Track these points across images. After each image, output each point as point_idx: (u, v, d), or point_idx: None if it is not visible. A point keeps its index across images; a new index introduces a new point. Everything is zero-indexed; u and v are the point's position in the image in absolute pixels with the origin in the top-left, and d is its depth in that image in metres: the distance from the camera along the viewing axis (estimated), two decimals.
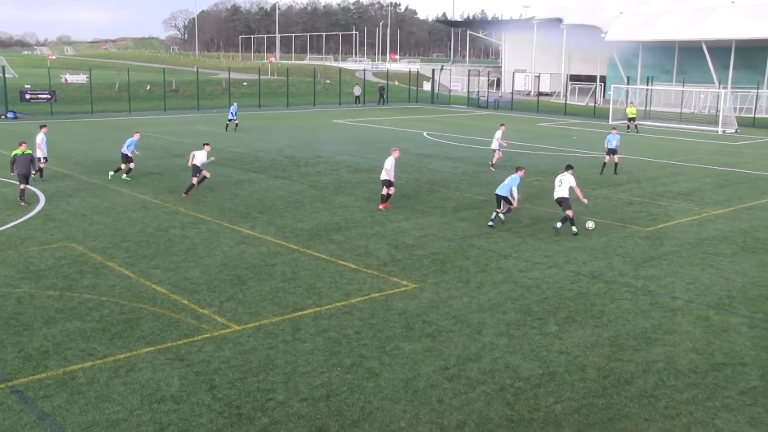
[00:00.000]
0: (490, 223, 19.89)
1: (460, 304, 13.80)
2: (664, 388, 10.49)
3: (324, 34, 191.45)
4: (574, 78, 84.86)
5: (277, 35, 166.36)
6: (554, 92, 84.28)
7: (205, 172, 23.39)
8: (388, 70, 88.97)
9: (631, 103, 54.92)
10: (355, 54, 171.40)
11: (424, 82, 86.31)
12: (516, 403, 9.97)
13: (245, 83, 75.90)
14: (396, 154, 22.08)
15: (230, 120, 43.83)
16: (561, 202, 19.50)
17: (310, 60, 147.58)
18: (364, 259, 16.69)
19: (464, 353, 11.56)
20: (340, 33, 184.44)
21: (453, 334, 12.33)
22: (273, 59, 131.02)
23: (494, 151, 30.68)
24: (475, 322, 12.89)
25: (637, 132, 47.88)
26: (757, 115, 57.04)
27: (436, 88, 78.12)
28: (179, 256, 16.62)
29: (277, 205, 22.44)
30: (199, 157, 23.09)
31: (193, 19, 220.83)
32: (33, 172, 22.82)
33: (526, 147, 38.24)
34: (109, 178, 26.28)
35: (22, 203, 21.65)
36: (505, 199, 19.48)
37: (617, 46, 77.97)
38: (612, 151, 29.70)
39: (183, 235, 18.62)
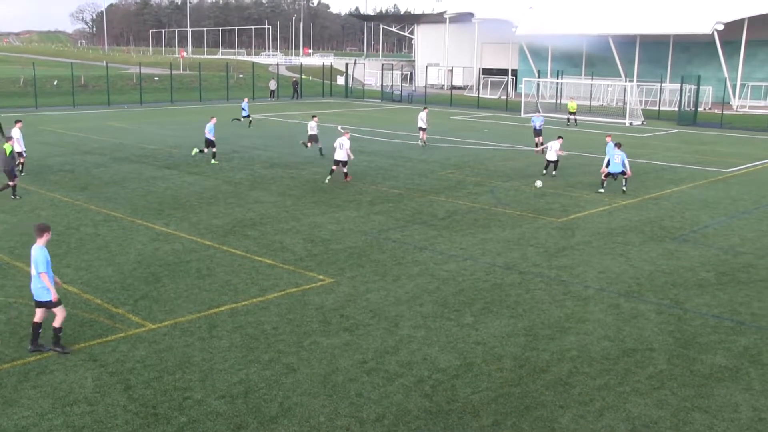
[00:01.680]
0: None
1: (377, 298, 13.83)
2: (578, 375, 10.76)
3: (236, 28, 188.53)
4: (486, 71, 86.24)
5: (189, 29, 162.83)
6: (467, 86, 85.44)
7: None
8: (301, 65, 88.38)
9: (572, 98, 56.16)
10: (269, 48, 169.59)
11: (338, 76, 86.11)
12: (434, 395, 10.05)
13: (157, 78, 74.06)
14: (348, 135, 26.11)
15: (245, 116, 43.02)
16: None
17: (222, 54, 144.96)
18: (280, 254, 16.54)
19: (382, 346, 11.59)
20: (253, 27, 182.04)
21: (370, 328, 12.34)
22: (185, 54, 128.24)
23: (421, 129, 35.95)
24: (393, 315, 12.94)
25: (576, 125, 49.07)
26: (661, 108, 59.15)
27: (350, 82, 78.06)
28: (91, 255, 16.11)
29: (191, 201, 22.00)
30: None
31: (102, 12, 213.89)
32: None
33: (439, 140, 38.59)
34: (193, 153, 30.48)
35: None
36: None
37: (528, 39, 79.62)
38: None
39: (95, 233, 18.06)
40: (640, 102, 58.31)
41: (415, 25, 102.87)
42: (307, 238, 18.03)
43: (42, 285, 10.77)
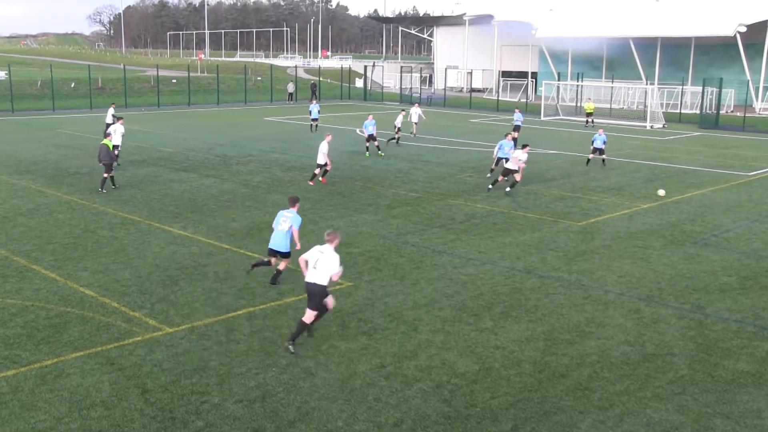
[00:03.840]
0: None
1: (395, 302, 13.77)
2: (597, 381, 10.65)
3: (254, 30, 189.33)
4: (505, 74, 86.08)
5: (206, 32, 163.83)
6: (486, 88, 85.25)
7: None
8: (320, 67, 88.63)
9: (589, 99, 55.94)
10: (287, 51, 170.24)
11: (357, 78, 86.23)
12: (453, 400, 9.98)
13: (174, 80, 74.51)
14: (329, 138, 26.00)
15: (314, 120, 43.33)
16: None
17: (240, 57, 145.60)
18: (297, 258, 16.46)
19: (400, 351, 11.53)
20: (271, 29, 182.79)
21: (389, 332, 12.28)
22: (202, 56, 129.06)
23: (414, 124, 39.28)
24: (411, 319, 12.87)
25: (594, 126, 48.83)
26: (682, 111, 58.73)
27: (369, 84, 78.13)
28: (108, 258, 16.16)
29: (208, 204, 22.05)
30: None
31: (119, 14, 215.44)
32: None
33: (458, 143, 38.50)
34: (377, 155, 32.61)
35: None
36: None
37: (547, 42, 79.31)
38: (598, 150, 30.90)
39: (112, 236, 18.12)
40: (661, 105, 57.89)
41: (434, 27, 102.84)
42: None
43: (288, 240, 14.16)
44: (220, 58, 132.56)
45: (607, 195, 24.60)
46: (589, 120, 51.03)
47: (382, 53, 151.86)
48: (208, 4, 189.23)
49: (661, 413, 9.74)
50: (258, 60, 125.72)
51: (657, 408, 9.88)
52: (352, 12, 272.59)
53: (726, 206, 23.31)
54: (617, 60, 76.46)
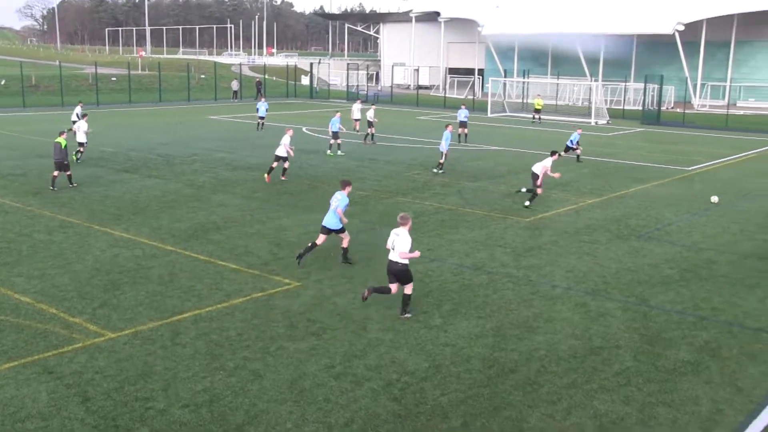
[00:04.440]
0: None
1: (344, 301, 13.69)
2: (546, 375, 10.73)
3: (197, 27, 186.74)
4: (452, 71, 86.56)
5: (147, 28, 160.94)
6: (433, 85, 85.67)
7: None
8: (265, 65, 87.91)
9: (538, 95, 56.52)
10: (231, 48, 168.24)
11: (303, 76, 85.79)
12: (403, 398, 9.95)
13: (114, 78, 72.92)
14: (290, 132, 26.50)
15: (261, 118, 42.72)
16: (534, 178, 22.24)
17: (183, 54, 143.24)
18: (244, 258, 16.31)
19: (350, 350, 11.46)
20: (215, 26, 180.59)
21: (338, 332, 12.20)
22: (143, 53, 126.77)
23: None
24: (360, 318, 12.80)
25: (540, 123, 49.34)
26: (625, 107, 59.81)
27: (315, 82, 77.78)
28: (45, 263, 15.68)
29: (151, 205, 21.62)
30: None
31: (53, 8, 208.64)
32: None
33: (405, 141, 38.55)
34: (331, 155, 32.20)
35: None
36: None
37: (494, 39, 79.99)
38: (569, 148, 31.55)
39: (49, 240, 17.60)
40: (605, 101, 58.88)
41: (381, 24, 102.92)
42: (273, 241, 17.82)
43: (338, 218, 15.52)
44: (162, 56, 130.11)
45: (554, 191, 24.86)
46: (536, 116, 51.65)
47: (328, 50, 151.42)
48: (148, 0, 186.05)
49: (607, 405, 9.87)
50: (201, 57, 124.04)
51: (603, 400, 10.01)
52: (298, 9, 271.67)
53: (668, 200, 23.77)
54: (562, 57, 77.51)
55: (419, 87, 73.54)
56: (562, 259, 16.73)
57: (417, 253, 12.91)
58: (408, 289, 12.86)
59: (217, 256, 16.39)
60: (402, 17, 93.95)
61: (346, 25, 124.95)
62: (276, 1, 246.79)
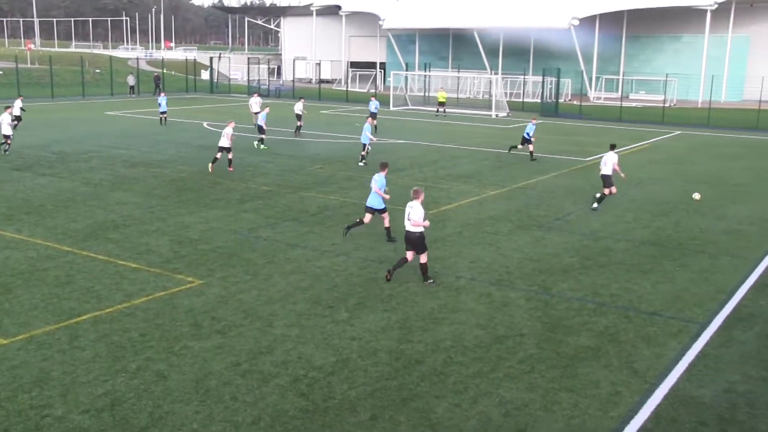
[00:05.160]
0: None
1: (249, 298, 13.51)
2: (452, 365, 10.88)
3: (90, 19, 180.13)
4: (354, 65, 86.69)
5: (36, 19, 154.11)
6: (335, 79, 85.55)
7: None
8: (163, 59, 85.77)
9: (442, 88, 57.01)
10: (127, 42, 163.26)
11: (203, 70, 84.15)
12: (311, 393, 9.90)
13: (0, 72, 69.66)
14: (232, 124, 27.45)
15: (163, 113, 41.38)
16: (604, 179, 21.58)
17: (76, 48, 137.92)
18: (145, 257, 15.88)
19: (256, 347, 11.32)
20: (109, 19, 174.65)
21: (243, 329, 12.04)
22: (32, 46, 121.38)
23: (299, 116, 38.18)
24: (266, 315, 12.67)
25: (445, 115, 49.76)
26: (525, 100, 61.24)
27: (216, 77, 76.44)
28: None
29: (45, 204, 20.78)
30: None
31: None
32: None
33: (309, 135, 38.36)
34: (258, 147, 32.24)
35: None
36: None
37: (395, 32, 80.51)
38: (525, 140, 30.84)
39: None
40: (505, 94, 60.17)
41: (281, 18, 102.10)
42: (174, 239, 17.42)
43: (380, 198, 17.08)
44: (53, 49, 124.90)
45: (457, 183, 25.24)
46: (441, 109, 52.29)
47: (228, 44, 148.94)
48: None
49: (512, 392, 10.08)
50: (96, 51, 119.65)
51: (508, 387, 10.22)
52: (196, 1, 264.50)
53: (567, 191, 24.49)
54: (463, 50, 78.79)
55: (321, 81, 73.29)
56: (465, 250, 17.00)
57: (427, 222, 14.35)
58: (423, 258, 14.38)
59: (117, 256, 15.90)
60: (303, 11, 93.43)
61: (247, 19, 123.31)
62: None
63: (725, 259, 16.81)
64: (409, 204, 14.40)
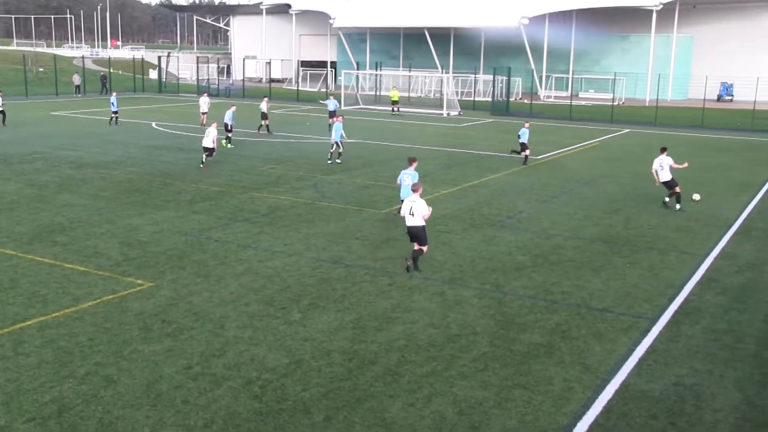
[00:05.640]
0: None
1: (200, 300, 13.33)
2: (406, 364, 10.87)
3: (33, 16, 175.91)
4: (305, 64, 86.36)
5: None
6: (286, 78, 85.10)
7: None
8: (110, 58, 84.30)
9: (395, 87, 56.96)
10: (72, 40, 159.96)
11: (151, 70, 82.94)
12: (264, 395, 9.80)
13: None
14: (215, 124, 28.17)
15: (114, 113, 40.60)
16: (669, 183, 21.82)
17: (18, 46, 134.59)
18: (93, 260, 15.56)
19: (208, 350, 11.17)
20: (53, 16, 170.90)
21: (195, 332, 11.87)
22: None
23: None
24: (218, 317, 12.52)
25: (399, 114, 49.76)
26: (476, 99, 61.66)
27: (164, 76, 75.39)
28: None
29: None
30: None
31: None
32: None
33: (259, 135, 38.07)
34: (225, 145, 32.48)
35: None
36: None
37: (345, 31, 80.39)
38: (523, 145, 29.98)
39: None
40: (457, 93, 60.51)
41: (231, 17, 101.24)
42: (123, 241, 17.11)
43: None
44: None
45: None
46: (395, 108, 52.38)
47: (176, 43, 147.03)
48: None
49: (466, 390, 10.11)
50: (39, 49, 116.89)
51: (462, 386, 10.24)
52: None
53: (519, 189, 24.70)
54: (414, 49, 79.03)
55: (271, 80, 72.80)
56: None
57: (430, 211, 15.22)
58: (425, 248, 15.29)
59: (63, 259, 15.55)
60: (252, 9, 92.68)
61: (195, 17, 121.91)
62: None
63: (674, 255, 17.14)
64: (410, 199, 15.12)
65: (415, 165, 18.60)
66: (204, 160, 27.45)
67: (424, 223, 15.07)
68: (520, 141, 30.09)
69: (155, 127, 40.93)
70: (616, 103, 56.21)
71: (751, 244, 18.29)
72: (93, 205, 20.77)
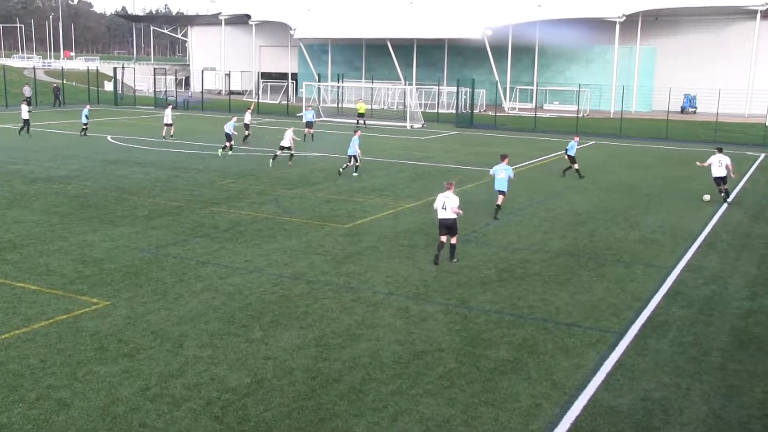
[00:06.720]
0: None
1: (158, 318, 12.94)
2: (371, 382, 10.64)
3: None
4: (265, 75, 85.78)
5: None
6: (246, 90, 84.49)
7: None
8: (63, 69, 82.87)
9: (360, 99, 56.63)
10: (22, 50, 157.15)
11: (106, 81, 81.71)
12: (225, 416, 9.50)
13: None
14: (292, 128, 31.51)
15: (85, 125, 40.80)
16: (723, 179, 24.59)
17: None
18: (46, 278, 15.06)
19: (166, 370, 10.82)
20: (1, 25, 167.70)
21: (152, 351, 11.49)
22: None
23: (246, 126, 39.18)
24: (176, 336, 12.15)
25: (366, 126, 49.47)
26: (440, 111, 61.70)
27: (120, 88, 74.27)
28: None
29: None
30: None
31: None
32: None
33: (217, 148, 37.59)
34: (219, 154, 33.90)
35: None
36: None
37: (307, 43, 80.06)
38: (571, 158, 29.92)
39: None
40: (420, 105, 60.47)
41: (189, 27, 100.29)
42: (78, 258, 16.61)
43: (506, 180, 21.70)
44: None
45: (372, 196, 25.07)
46: (362, 121, 52.00)
47: (133, 54, 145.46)
48: None
49: (432, 408, 9.91)
50: None
51: (428, 404, 10.04)
52: (98, 9, 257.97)
53: (483, 203, 24.25)
54: (376, 61, 78.98)
55: (231, 92, 72.15)
56: (382, 265, 16.80)
57: (461, 212, 16.91)
58: (455, 240, 17.04)
59: (14, 278, 15.03)
60: (211, 20, 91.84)
61: (152, 28, 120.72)
62: (72, 1, 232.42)
63: (640, 268, 17.16)
64: (444, 195, 16.70)
65: (506, 161, 21.89)
66: (290, 157, 31.01)
67: (456, 216, 16.66)
68: (568, 154, 30.12)
69: (111, 140, 40.18)
70: (580, 115, 56.66)
71: (716, 256, 18.40)
72: (45, 221, 20.19)
